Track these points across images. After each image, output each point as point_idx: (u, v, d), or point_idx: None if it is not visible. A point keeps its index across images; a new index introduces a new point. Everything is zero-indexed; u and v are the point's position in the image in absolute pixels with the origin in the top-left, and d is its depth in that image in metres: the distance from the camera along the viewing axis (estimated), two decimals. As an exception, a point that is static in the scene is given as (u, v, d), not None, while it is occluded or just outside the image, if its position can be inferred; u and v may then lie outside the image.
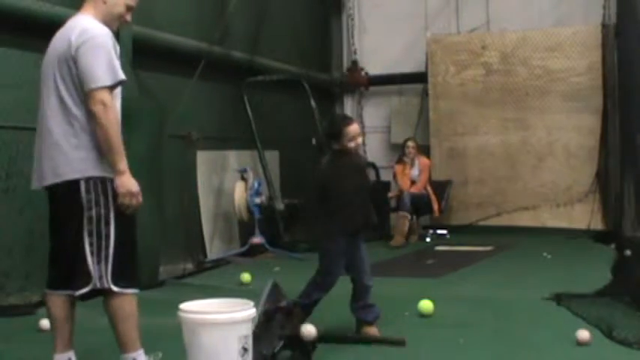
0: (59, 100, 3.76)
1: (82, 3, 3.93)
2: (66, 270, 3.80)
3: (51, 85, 3.80)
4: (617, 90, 10.54)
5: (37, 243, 6.28)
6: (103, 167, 3.74)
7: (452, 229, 10.75)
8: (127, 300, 3.81)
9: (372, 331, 4.98)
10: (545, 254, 8.57)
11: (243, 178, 9.20)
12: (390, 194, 10.47)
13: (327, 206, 4.85)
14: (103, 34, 3.77)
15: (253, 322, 3.93)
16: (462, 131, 11.42)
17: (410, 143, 10.55)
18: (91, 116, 3.70)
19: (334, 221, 4.84)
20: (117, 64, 3.76)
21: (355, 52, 12.62)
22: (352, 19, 12.67)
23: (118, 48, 3.85)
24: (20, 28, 6.48)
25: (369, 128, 12.45)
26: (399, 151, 10.88)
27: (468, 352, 4.64)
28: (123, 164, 3.73)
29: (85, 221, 3.72)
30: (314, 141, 9.45)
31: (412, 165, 10.50)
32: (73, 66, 3.73)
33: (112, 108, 3.70)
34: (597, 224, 10.57)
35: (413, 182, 10.44)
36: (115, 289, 3.75)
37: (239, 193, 9.13)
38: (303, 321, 4.68)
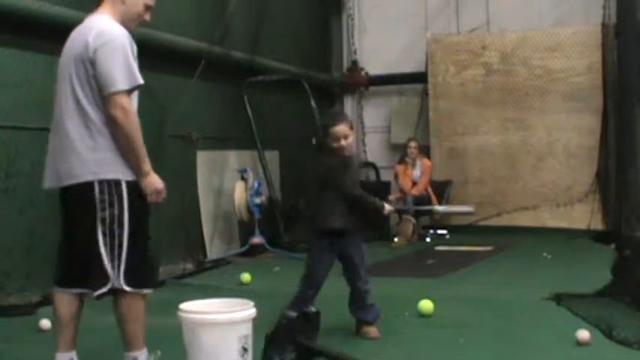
0: (76, 102, 3.76)
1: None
2: (79, 269, 3.80)
3: (67, 86, 3.79)
4: (617, 90, 10.54)
5: (37, 243, 6.27)
6: (118, 169, 3.75)
7: (452, 229, 10.73)
8: (138, 300, 3.82)
9: (372, 331, 4.98)
10: (545, 254, 8.56)
11: (243, 178, 9.20)
12: (392, 196, 10.34)
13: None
14: (120, 35, 3.76)
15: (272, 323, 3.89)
16: (462, 131, 11.42)
17: (412, 144, 10.55)
18: (110, 120, 3.70)
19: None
20: (135, 67, 3.77)
21: (355, 52, 12.61)
22: (352, 19, 12.66)
23: (135, 48, 3.84)
24: (20, 28, 6.46)
25: (369, 128, 12.47)
26: (399, 152, 10.87)
27: (468, 352, 4.64)
28: (147, 166, 3.77)
29: (99, 222, 3.72)
30: (314, 141, 9.45)
31: (414, 166, 10.50)
32: (89, 67, 3.72)
33: (132, 112, 3.73)
34: (597, 224, 10.57)
35: (414, 183, 10.43)
36: (127, 289, 3.75)
37: (239, 193, 9.13)
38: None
